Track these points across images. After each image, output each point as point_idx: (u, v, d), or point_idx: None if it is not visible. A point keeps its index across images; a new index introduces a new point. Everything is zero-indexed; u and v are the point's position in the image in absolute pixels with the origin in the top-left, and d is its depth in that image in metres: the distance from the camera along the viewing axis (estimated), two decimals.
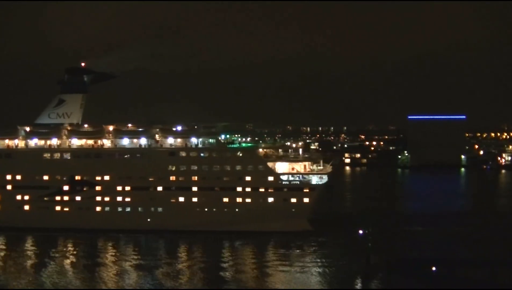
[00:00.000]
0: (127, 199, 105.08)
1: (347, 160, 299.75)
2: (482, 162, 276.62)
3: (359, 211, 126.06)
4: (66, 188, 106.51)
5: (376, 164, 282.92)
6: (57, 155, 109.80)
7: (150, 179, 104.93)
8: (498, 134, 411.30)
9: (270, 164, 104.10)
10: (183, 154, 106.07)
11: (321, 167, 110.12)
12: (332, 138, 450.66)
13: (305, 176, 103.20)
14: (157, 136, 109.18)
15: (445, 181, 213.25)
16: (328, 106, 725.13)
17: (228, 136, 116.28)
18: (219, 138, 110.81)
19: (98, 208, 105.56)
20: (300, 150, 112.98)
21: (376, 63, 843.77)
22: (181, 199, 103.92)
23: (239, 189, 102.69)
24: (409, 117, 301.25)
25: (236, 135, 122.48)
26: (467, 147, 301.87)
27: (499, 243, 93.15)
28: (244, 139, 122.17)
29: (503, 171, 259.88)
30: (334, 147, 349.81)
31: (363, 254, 78.42)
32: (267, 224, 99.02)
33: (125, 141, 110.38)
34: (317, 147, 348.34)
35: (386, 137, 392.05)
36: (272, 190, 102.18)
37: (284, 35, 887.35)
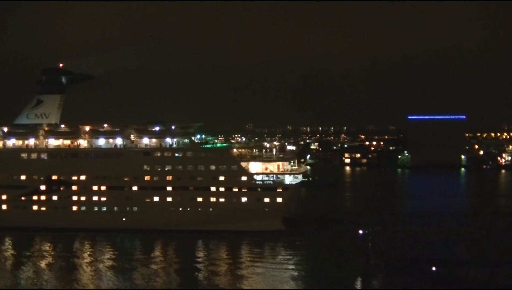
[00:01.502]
0: (103, 199, 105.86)
1: (347, 160, 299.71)
2: (482, 162, 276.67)
3: (359, 211, 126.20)
4: (43, 187, 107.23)
5: (376, 164, 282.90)
6: (34, 155, 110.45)
7: (125, 179, 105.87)
8: (498, 134, 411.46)
9: (243, 164, 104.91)
10: (158, 154, 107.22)
11: (296, 167, 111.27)
12: (332, 138, 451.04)
13: (279, 175, 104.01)
14: (132, 136, 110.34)
15: (445, 181, 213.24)
16: (328, 106, 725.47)
17: (203, 136, 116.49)
18: (193, 138, 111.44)
19: (74, 208, 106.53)
20: (274, 150, 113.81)
21: (376, 63, 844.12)
22: (156, 198, 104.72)
23: (213, 188, 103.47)
24: (409, 117, 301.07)
25: (212, 135, 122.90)
26: (467, 147, 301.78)
27: (499, 243, 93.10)
28: (220, 139, 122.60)
29: (503, 171, 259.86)
30: (334, 147, 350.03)
31: (363, 254, 78.40)
32: (241, 224, 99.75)
33: (101, 141, 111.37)
34: (317, 147, 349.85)
35: (386, 137, 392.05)
36: (245, 190, 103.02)
37: (285, 35, 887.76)
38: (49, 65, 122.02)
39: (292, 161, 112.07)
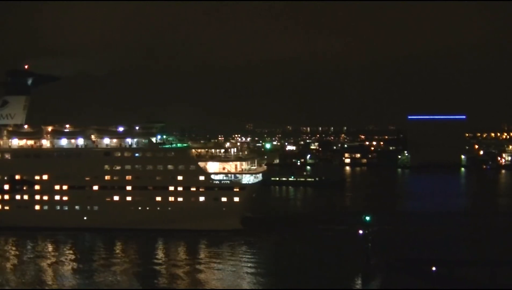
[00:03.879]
0: (65, 198, 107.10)
1: (347, 160, 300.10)
2: (482, 162, 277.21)
3: (359, 211, 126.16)
4: (6, 187, 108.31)
5: (376, 164, 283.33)
6: None
7: (86, 179, 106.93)
8: (498, 134, 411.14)
9: (201, 164, 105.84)
10: (118, 154, 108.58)
11: (255, 167, 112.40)
12: (332, 138, 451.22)
13: (237, 175, 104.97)
14: (93, 137, 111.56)
15: (445, 181, 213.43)
16: (328, 106, 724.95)
17: (164, 136, 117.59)
18: (152, 139, 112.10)
19: (37, 207, 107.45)
20: (232, 150, 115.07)
21: (376, 63, 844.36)
22: (116, 198, 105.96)
23: (171, 188, 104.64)
24: (409, 117, 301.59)
25: (173, 135, 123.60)
26: (467, 147, 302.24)
27: (499, 243, 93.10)
28: (182, 139, 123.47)
29: (503, 171, 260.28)
30: (334, 147, 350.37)
31: (363, 254, 78.39)
32: (199, 223, 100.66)
33: (63, 142, 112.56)
34: (317, 147, 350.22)
35: (386, 137, 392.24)
36: (203, 190, 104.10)
37: (285, 35, 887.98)
38: (15, 66, 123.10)
39: (252, 161, 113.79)
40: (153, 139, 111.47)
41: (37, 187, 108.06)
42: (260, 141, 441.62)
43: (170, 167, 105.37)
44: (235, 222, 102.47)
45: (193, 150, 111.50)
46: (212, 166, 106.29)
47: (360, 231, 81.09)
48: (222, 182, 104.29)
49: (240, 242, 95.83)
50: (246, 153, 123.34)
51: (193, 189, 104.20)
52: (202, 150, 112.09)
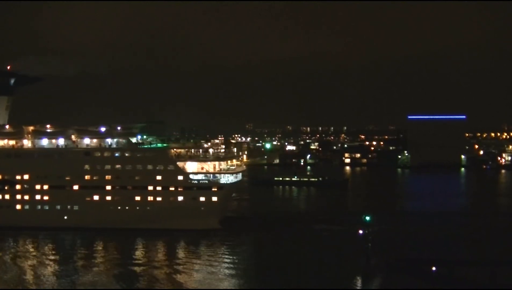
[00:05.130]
0: (45, 198, 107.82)
1: (347, 160, 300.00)
2: (482, 162, 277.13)
3: (357, 211, 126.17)
4: None
5: (376, 164, 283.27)
6: None
7: (67, 178, 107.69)
8: (498, 134, 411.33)
9: (180, 164, 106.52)
10: (98, 154, 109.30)
11: (234, 167, 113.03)
12: (332, 138, 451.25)
13: (216, 175, 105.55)
14: (73, 137, 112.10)
15: (445, 181, 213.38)
16: (328, 106, 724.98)
17: (144, 136, 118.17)
18: (132, 139, 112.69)
19: (18, 206, 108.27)
20: (210, 150, 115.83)
21: (376, 63, 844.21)
22: (96, 197, 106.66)
23: (150, 188, 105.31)
24: (409, 117, 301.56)
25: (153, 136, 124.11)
26: (467, 147, 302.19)
27: (499, 243, 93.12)
28: (161, 140, 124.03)
29: (503, 171, 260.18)
30: (334, 147, 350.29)
31: (363, 254, 78.39)
32: (178, 222, 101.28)
33: (44, 142, 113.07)
34: (317, 147, 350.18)
35: (386, 137, 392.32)
36: (181, 189, 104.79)
37: (285, 35, 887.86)
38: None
39: (230, 161, 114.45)
40: (133, 139, 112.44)
41: (18, 186, 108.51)
42: (260, 141, 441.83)
43: (149, 167, 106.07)
44: (214, 221, 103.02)
45: (172, 150, 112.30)
46: (190, 166, 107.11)
47: (360, 231, 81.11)
48: (201, 181, 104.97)
49: (219, 242, 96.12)
50: (226, 153, 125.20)
51: (171, 188, 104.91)
52: (181, 150, 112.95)
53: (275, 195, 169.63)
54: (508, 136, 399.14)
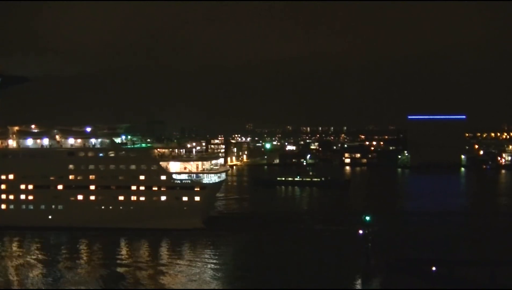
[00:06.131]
0: (30, 197, 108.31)
1: (347, 160, 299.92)
2: (482, 162, 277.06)
3: (359, 211, 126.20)
4: None
5: (376, 164, 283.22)
6: None
7: (51, 178, 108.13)
8: (498, 134, 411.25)
9: (163, 164, 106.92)
10: (82, 154, 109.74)
11: (217, 167, 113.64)
12: (332, 138, 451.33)
13: (199, 175, 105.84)
14: (58, 137, 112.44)
15: (445, 181, 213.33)
16: (328, 106, 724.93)
17: (129, 136, 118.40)
18: (115, 139, 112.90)
19: (3, 206, 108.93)
20: (194, 150, 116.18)
21: (376, 63, 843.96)
22: (80, 197, 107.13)
23: (133, 187, 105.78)
24: (409, 117, 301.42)
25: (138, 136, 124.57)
26: (467, 147, 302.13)
27: (499, 243, 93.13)
28: (147, 140, 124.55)
29: (503, 171, 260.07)
30: (334, 147, 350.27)
31: (363, 254, 78.39)
32: (161, 222, 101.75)
33: (29, 142, 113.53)
34: (317, 147, 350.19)
35: (386, 137, 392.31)
36: (164, 189, 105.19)
37: (285, 35, 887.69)
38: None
39: (214, 161, 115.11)
40: (118, 140, 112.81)
41: (3, 186, 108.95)
42: (260, 141, 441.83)
43: (132, 167, 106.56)
44: (197, 221, 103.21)
45: (156, 150, 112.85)
46: (173, 166, 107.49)
47: (360, 231, 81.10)
48: (183, 181, 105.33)
49: (201, 241, 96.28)
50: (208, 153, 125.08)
51: (154, 188, 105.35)
52: (165, 150, 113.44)
53: (277, 195, 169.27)
54: (508, 136, 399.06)
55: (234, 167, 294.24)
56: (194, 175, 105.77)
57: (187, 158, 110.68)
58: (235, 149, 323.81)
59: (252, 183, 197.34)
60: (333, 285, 71.38)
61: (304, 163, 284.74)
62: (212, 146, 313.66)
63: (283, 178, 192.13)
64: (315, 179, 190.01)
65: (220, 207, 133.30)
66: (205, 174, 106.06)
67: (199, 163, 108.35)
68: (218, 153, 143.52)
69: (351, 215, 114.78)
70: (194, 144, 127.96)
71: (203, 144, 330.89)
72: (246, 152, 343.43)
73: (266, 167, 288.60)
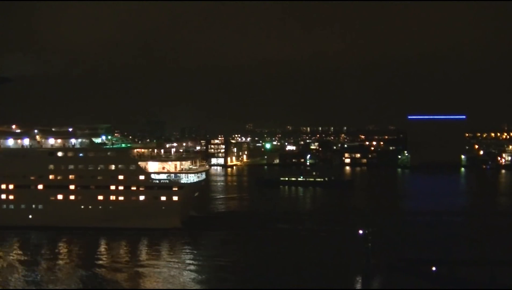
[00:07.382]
0: (11, 197, 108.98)
1: (347, 160, 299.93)
2: (482, 162, 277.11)
3: (359, 210, 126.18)
4: None
5: (376, 164, 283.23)
6: None
7: (32, 178, 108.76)
8: (498, 134, 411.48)
9: (142, 164, 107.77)
10: (61, 154, 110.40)
11: (197, 167, 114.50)
12: (332, 138, 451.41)
13: (178, 174, 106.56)
14: (38, 137, 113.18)
15: (445, 181, 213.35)
16: (328, 106, 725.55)
17: (109, 137, 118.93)
18: (94, 139, 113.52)
19: None
20: (173, 150, 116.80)
21: (376, 63, 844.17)
22: (60, 197, 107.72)
23: (112, 187, 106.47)
24: (409, 117, 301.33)
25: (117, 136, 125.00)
26: (467, 147, 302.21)
27: (499, 243, 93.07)
28: (126, 140, 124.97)
29: (503, 171, 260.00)
30: (334, 147, 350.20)
31: (363, 254, 78.30)
32: (140, 221, 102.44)
33: (10, 142, 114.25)
34: (317, 147, 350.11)
35: (386, 137, 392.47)
36: (143, 189, 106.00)
37: (285, 35, 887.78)
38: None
39: (193, 161, 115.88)
40: (98, 140, 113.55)
41: None
42: (260, 141, 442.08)
43: (111, 167, 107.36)
44: (175, 220, 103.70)
45: (135, 150, 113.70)
46: (152, 166, 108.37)
47: (360, 231, 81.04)
48: (162, 181, 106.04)
49: (179, 241, 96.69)
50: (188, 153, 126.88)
51: (133, 188, 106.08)
52: (144, 150, 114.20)
53: (280, 195, 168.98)
54: (508, 136, 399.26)
55: (234, 167, 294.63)
56: (173, 175, 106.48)
57: (165, 158, 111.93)
58: (235, 149, 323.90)
59: (255, 183, 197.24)
60: (333, 285, 71.34)
61: (307, 163, 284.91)
62: (212, 146, 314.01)
63: (286, 178, 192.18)
64: (319, 179, 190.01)
65: (219, 208, 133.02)
66: (183, 174, 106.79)
67: (178, 163, 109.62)
68: (198, 154, 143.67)
69: (351, 215, 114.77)
70: (175, 144, 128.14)
71: (203, 144, 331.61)
72: (246, 152, 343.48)
73: (266, 167, 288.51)
